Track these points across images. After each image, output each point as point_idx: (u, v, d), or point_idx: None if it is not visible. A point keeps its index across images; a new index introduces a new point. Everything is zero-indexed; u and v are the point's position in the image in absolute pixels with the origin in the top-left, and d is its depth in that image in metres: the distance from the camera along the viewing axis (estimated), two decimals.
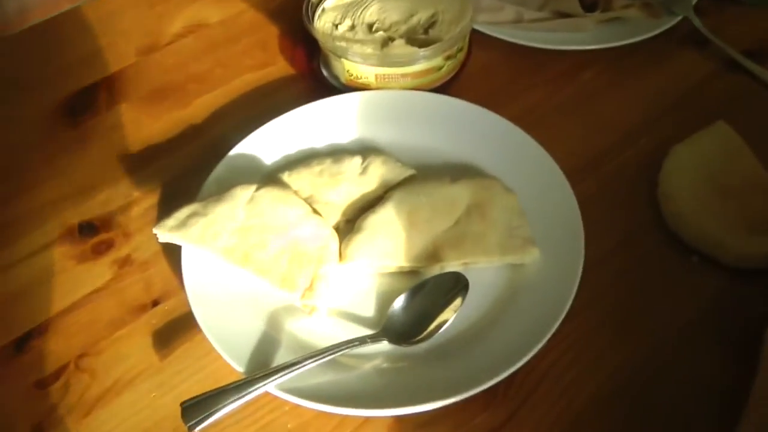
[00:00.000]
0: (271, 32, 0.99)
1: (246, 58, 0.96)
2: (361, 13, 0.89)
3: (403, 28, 0.88)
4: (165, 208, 0.76)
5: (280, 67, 0.94)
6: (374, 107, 0.82)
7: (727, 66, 0.91)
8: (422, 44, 0.85)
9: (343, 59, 0.83)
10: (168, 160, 0.84)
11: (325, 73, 0.89)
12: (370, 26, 0.87)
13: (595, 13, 0.92)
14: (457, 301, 0.65)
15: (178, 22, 1.02)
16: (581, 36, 0.91)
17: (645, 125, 0.85)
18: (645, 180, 0.78)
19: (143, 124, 0.88)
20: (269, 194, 0.72)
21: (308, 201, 0.73)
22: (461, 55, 0.88)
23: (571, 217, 0.70)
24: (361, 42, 0.85)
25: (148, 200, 0.80)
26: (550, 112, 0.87)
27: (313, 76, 0.90)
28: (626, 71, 0.92)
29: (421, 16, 0.88)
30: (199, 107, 0.90)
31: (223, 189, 0.72)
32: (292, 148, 0.80)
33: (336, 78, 0.87)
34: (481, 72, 0.91)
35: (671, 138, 0.79)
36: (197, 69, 0.95)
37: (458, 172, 0.76)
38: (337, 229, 0.73)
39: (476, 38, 0.91)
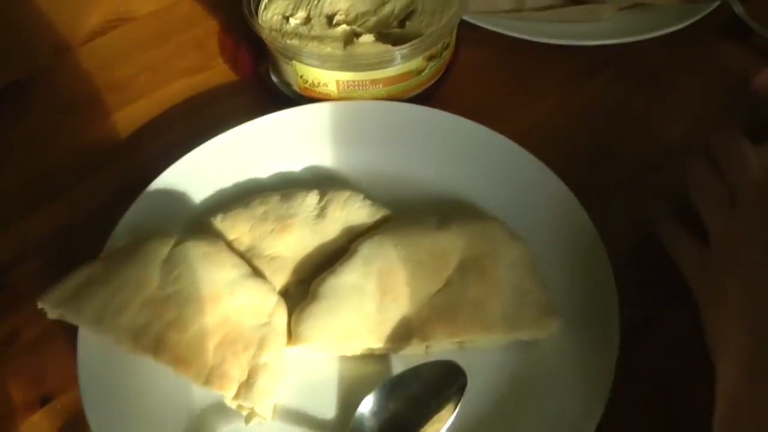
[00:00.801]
0: (209, 27, 0.80)
1: (178, 61, 0.77)
2: (319, 1, 0.69)
3: (373, 19, 0.69)
4: (63, 267, 0.55)
5: (219, 72, 0.75)
6: (336, 124, 0.64)
7: None
8: (397, 40, 0.66)
9: (295, 62, 0.64)
10: (72, 198, 0.66)
11: (274, 79, 0.70)
12: (330, 18, 0.68)
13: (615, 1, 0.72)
14: (450, 406, 0.46)
15: (98, 14, 0.81)
16: (598, 28, 0.74)
17: (686, 139, 0.68)
18: None
19: (44, 147, 0.70)
20: (193, 250, 0.53)
21: (247, 256, 0.55)
22: (447, 54, 0.69)
23: (600, 272, 0.53)
24: (319, 39, 0.66)
25: (42, 254, 0.62)
26: (562, 125, 0.70)
27: (259, 83, 0.71)
28: (655, 70, 0.75)
29: (396, 4, 0.69)
30: (116, 124, 0.71)
31: (136, 240, 0.55)
32: (229, 180, 0.62)
33: (288, 85, 0.68)
34: (473, 75, 0.73)
35: None
36: (117, 74, 0.76)
37: (448, 211, 0.58)
38: (285, 294, 0.55)
39: (467, 32, 0.73)
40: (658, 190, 0.62)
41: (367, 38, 0.66)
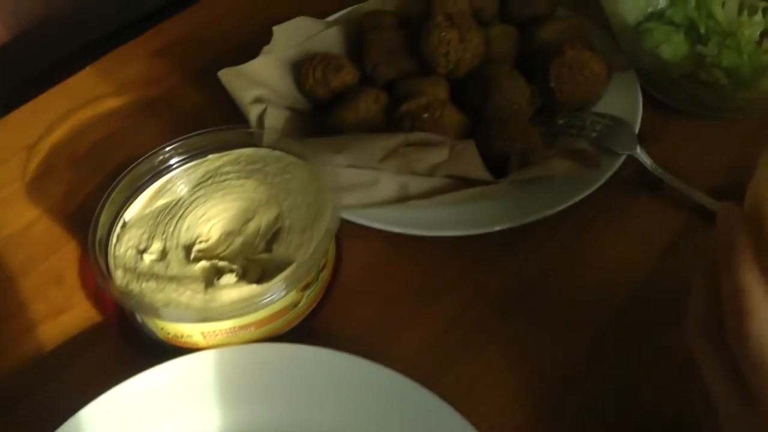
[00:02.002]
0: (69, 254, 0.70)
1: (34, 301, 0.66)
2: (175, 226, 0.61)
3: (238, 241, 0.60)
4: None
5: (81, 313, 0.65)
6: (203, 378, 0.56)
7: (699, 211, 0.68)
8: (267, 269, 0.57)
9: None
10: None
11: (140, 319, 0.61)
12: (188, 250, 0.60)
13: (509, 176, 0.65)
14: None
15: None
16: (495, 209, 0.65)
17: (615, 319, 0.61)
18: None
19: None
20: None
21: None
22: (326, 274, 0.61)
23: None
24: (177, 280, 0.58)
25: None
26: (469, 333, 0.61)
27: (125, 326, 0.62)
28: (569, 240, 0.68)
29: (261, 221, 0.61)
30: None
31: None
32: None
33: (153, 332, 0.59)
34: (359, 286, 0.66)
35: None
36: None
37: None
38: None
39: (348, 226, 0.66)
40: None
41: (229, 279, 0.58)
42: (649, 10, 0.73)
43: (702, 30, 0.70)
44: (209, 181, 0.67)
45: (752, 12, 0.71)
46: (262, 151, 0.68)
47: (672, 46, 0.70)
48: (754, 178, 0.41)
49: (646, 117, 0.74)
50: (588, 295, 0.64)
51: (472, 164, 0.66)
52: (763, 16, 0.71)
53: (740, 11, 0.71)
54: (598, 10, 0.79)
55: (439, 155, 0.65)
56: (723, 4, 0.72)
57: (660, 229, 0.68)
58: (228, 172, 0.67)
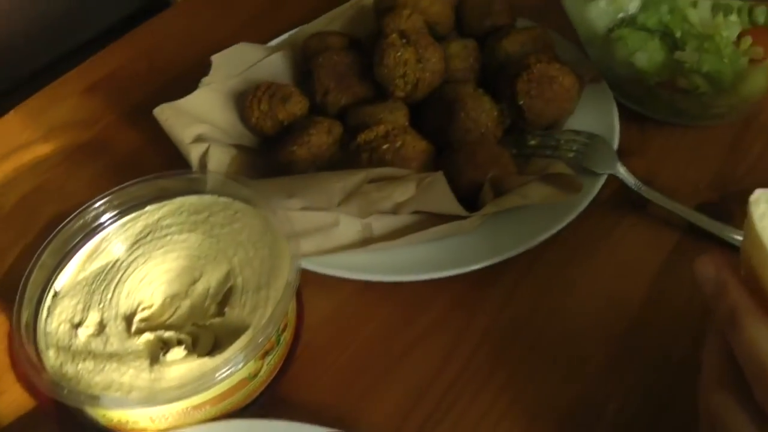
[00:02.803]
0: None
1: None
2: (113, 293, 0.55)
3: (186, 305, 0.54)
4: None
5: (12, 398, 0.58)
6: None
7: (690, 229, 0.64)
8: (219, 336, 0.50)
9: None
10: None
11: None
12: (128, 321, 0.53)
13: (483, 209, 0.61)
14: None
15: None
16: (471, 245, 0.61)
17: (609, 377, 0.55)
18: None
19: None
20: None
21: None
22: (288, 335, 0.55)
23: None
24: (118, 357, 0.51)
25: None
26: (461, 388, 0.56)
27: (64, 413, 0.55)
28: (551, 273, 0.63)
29: (210, 280, 0.55)
30: None
31: None
32: None
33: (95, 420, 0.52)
34: (328, 339, 0.60)
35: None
36: None
37: None
38: None
39: (310, 275, 0.60)
40: None
41: (178, 353, 0.51)
42: (620, 15, 0.68)
43: (678, 34, 0.65)
44: (149, 237, 0.60)
45: (727, 12, 0.65)
46: (207, 199, 0.62)
47: (647, 53, 0.66)
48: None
49: (623, 130, 0.69)
50: (581, 329, 0.59)
51: (442, 198, 0.60)
52: (739, 16, 0.66)
53: (714, 12, 0.66)
54: (561, 18, 0.74)
55: (404, 191, 0.60)
56: (695, 5, 0.67)
57: (650, 251, 0.63)
58: (169, 226, 0.61)
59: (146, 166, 0.66)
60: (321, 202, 0.60)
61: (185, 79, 0.77)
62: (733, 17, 0.65)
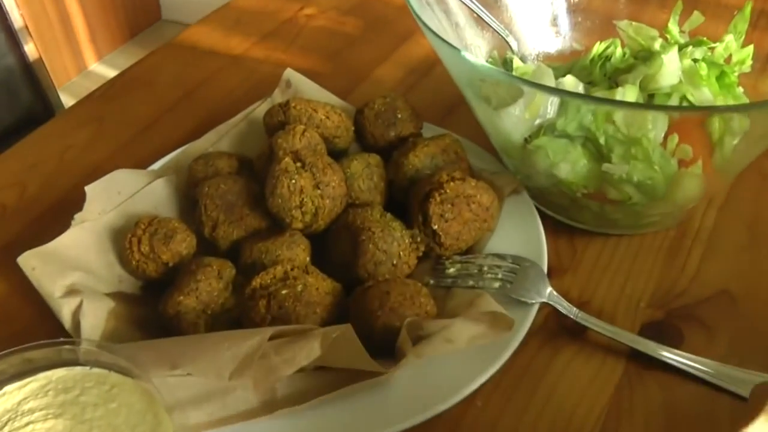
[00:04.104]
0: None
1: None
2: None
3: None
4: None
5: None
6: None
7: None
8: None
9: None
10: None
11: None
12: None
13: (402, 360, 0.55)
14: None
15: None
16: (392, 402, 0.56)
17: None
18: None
19: None
20: None
21: None
22: None
23: None
24: None
25: None
26: None
27: None
28: (495, 428, 0.57)
29: None
30: None
31: None
32: None
33: None
34: None
35: None
36: None
37: None
38: None
39: None
40: None
41: None
42: (537, 122, 0.64)
43: (601, 140, 0.61)
44: (5, 429, 0.52)
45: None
46: (78, 372, 0.55)
47: (570, 164, 0.62)
48: None
49: (550, 244, 0.66)
50: None
51: (354, 356, 0.55)
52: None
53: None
54: (471, 119, 0.71)
55: (309, 351, 0.54)
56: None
57: (594, 387, 0.59)
58: (32, 411, 0.54)
59: (14, 320, 0.64)
60: (209, 375, 0.53)
61: (58, 210, 0.73)
62: (659, 117, 0.62)
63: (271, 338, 0.55)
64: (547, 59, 0.80)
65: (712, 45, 0.71)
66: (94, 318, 0.61)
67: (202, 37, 1.04)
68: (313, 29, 1.05)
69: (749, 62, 0.71)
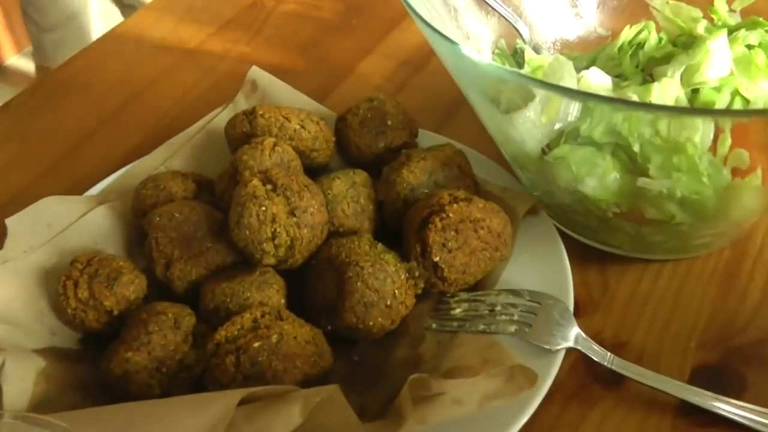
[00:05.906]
0: None
1: None
2: None
3: None
4: None
5: None
6: None
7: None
8: None
9: None
10: None
11: None
12: None
13: (403, 428, 0.54)
14: None
15: None
16: None
17: None
18: None
19: None
20: None
21: None
22: None
23: None
24: None
25: None
26: None
27: None
28: None
29: None
30: None
31: None
32: None
33: None
34: None
35: None
36: None
37: None
38: None
39: None
40: None
41: None
42: (556, 127, 0.63)
43: (635, 147, 0.60)
44: None
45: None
46: None
47: (597, 178, 0.61)
48: None
49: (576, 275, 0.65)
50: None
51: (343, 421, 0.54)
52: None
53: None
54: (477, 124, 0.70)
55: (288, 418, 0.53)
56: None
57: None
58: None
59: None
60: None
61: None
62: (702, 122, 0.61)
63: (240, 403, 0.54)
64: (566, 48, 0.80)
65: None
66: (20, 381, 0.61)
67: (147, 27, 1.03)
68: (281, 15, 1.05)
69: None
